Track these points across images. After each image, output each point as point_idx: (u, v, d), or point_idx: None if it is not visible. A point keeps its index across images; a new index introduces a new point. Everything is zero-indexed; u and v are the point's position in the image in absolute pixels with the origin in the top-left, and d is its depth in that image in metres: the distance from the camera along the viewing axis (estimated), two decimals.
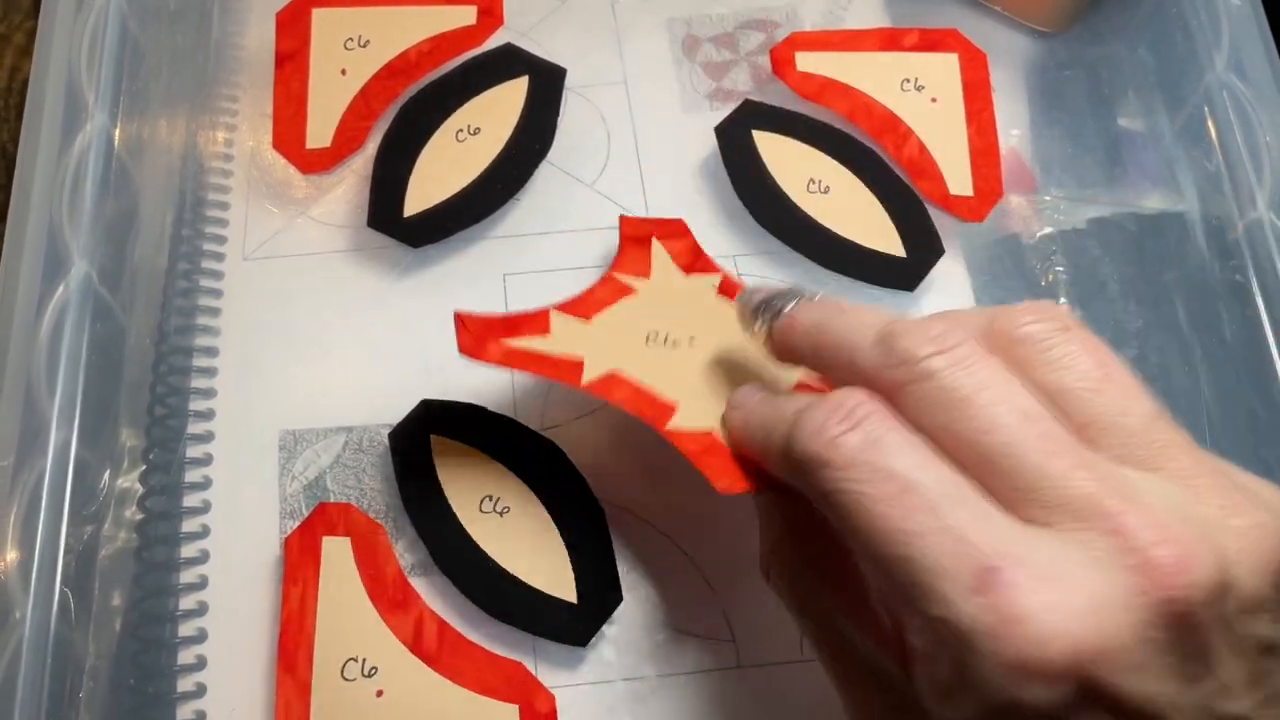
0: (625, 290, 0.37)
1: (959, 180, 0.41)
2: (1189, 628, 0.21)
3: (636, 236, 0.38)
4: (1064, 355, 0.25)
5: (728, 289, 0.37)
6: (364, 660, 0.33)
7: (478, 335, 0.35)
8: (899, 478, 0.24)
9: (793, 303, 0.30)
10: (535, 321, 0.36)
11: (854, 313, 0.28)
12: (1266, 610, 0.22)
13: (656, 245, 0.38)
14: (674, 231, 0.38)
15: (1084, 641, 0.21)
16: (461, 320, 0.35)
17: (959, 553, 0.22)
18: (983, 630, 0.21)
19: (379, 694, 0.33)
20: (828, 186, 0.41)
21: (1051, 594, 0.21)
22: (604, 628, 0.35)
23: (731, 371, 0.35)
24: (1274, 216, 0.40)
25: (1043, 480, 0.23)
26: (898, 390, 0.25)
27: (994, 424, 0.24)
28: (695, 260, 0.38)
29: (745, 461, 0.32)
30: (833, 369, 0.28)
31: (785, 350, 0.31)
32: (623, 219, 0.38)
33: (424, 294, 0.40)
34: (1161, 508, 0.22)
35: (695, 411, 0.34)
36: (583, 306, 0.37)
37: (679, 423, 0.34)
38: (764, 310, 0.31)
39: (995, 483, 0.24)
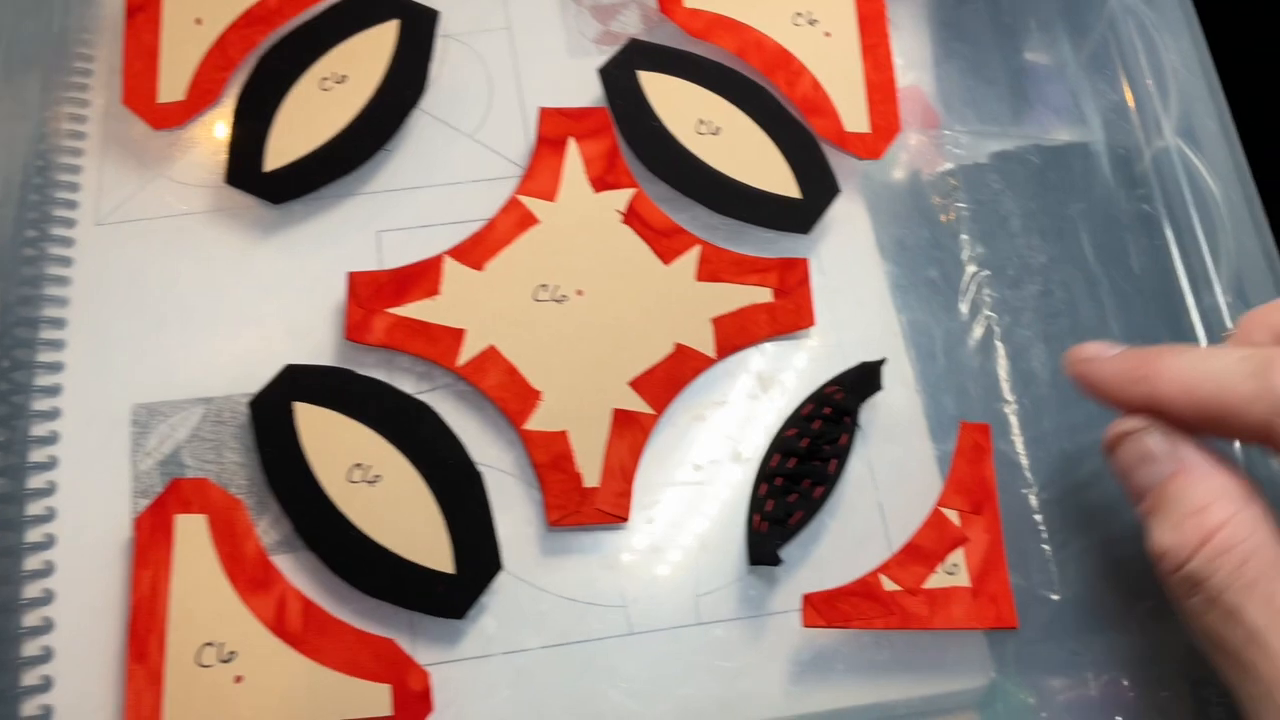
0: (528, 220, 0.36)
1: (855, 117, 0.39)
2: None
3: (553, 138, 0.37)
4: None
5: (634, 212, 0.36)
6: (221, 645, 0.31)
7: (367, 300, 0.34)
8: None
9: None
10: (427, 274, 0.35)
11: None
12: None
13: (572, 151, 0.37)
14: (595, 126, 0.38)
15: None
16: (354, 281, 0.34)
17: None
18: None
19: (238, 680, 0.31)
20: (718, 127, 0.39)
21: None
22: (484, 599, 0.32)
23: (606, 345, 0.35)
24: (1182, 144, 0.38)
25: None
26: None
27: None
28: (609, 169, 0.37)
29: (583, 494, 0.33)
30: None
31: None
32: (542, 111, 0.38)
33: (291, 254, 0.37)
34: None
35: (556, 406, 0.34)
36: (480, 248, 0.36)
37: (538, 420, 0.34)
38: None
39: None
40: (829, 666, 0.33)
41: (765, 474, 0.35)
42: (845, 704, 0.33)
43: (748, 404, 0.36)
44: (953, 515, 0.34)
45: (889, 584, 0.33)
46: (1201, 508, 0.25)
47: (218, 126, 0.38)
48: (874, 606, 0.32)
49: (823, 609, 0.32)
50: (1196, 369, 0.26)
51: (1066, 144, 0.39)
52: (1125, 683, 0.33)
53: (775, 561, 0.33)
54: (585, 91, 0.40)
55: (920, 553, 0.33)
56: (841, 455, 0.35)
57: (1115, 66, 0.40)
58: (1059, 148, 0.39)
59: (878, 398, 0.36)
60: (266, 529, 0.33)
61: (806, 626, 0.32)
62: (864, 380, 0.36)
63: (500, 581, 0.33)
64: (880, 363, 0.36)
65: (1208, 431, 0.27)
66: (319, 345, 0.36)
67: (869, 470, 0.36)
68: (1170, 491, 0.26)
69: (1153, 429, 0.27)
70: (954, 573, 0.33)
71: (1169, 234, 0.38)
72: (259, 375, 0.34)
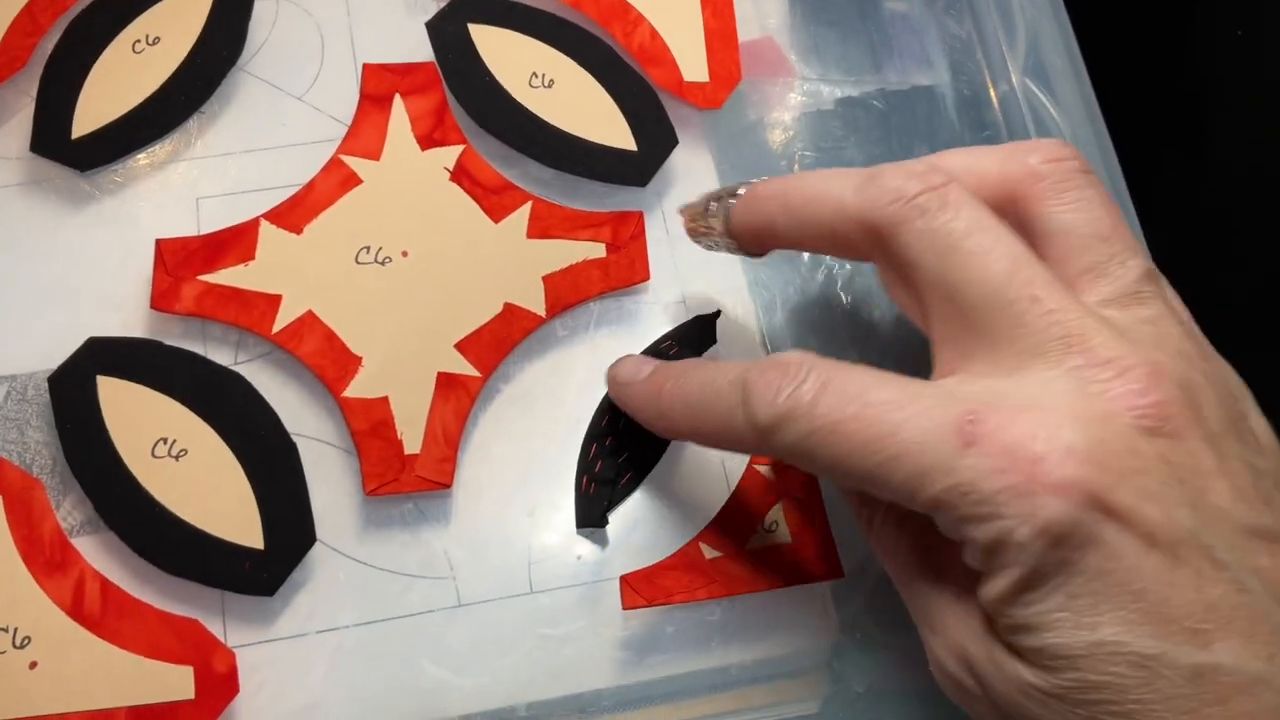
0: (350, 180, 0.35)
1: (694, 66, 0.38)
2: (1169, 440, 0.22)
3: (377, 95, 0.36)
4: (1081, 197, 0.26)
5: (462, 169, 0.35)
6: (15, 630, 0.29)
7: (175, 268, 0.33)
8: (855, 399, 0.24)
9: (744, 187, 0.30)
10: (242, 239, 0.34)
11: (820, 173, 0.28)
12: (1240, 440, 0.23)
13: (398, 108, 0.36)
14: (422, 82, 0.36)
15: (1076, 446, 0.22)
16: (161, 248, 0.32)
17: (933, 425, 0.22)
18: (985, 473, 0.22)
19: (32, 665, 0.29)
20: (551, 80, 0.37)
21: (1034, 420, 0.22)
22: (299, 575, 0.31)
23: (432, 307, 0.34)
24: (1029, 82, 0.37)
25: (1019, 329, 0.23)
26: (893, 229, 0.25)
27: (984, 272, 0.24)
28: (437, 125, 0.36)
29: (404, 462, 0.32)
30: (814, 224, 0.28)
31: (751, 221, 0.30)
32: (366, 66, 0.36)
33: (104, 225, 0.35)
34: (1135, 338, 0.23)
35: (377, 372, 0.33)
36: (299, 210, 0.34)
37: (358, 387, 0.32)
38: (716, 199, 0.31)
39: (974, 338, 0.24)
40: (659, 631, 0.32)
41: (595, 434, 0.33)
42: (679, 670, 0.32)
43: (583, 363, 0.35)
44: (765, 470, 0.33)
45: (709, 551, 0.31)
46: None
47: (28, 94, 0.37)
48: (696, 577, 0.31)
49: (642, 588, 0.31)
50: (697, 393, 0.28)
51: (912, 88, 0.38)
52: None
53: (602, 523, 0.32)
54: (422, 50, 0.38)
55: (738, 515, 0.32)
56: None
57: (962, 7, 0.39)
58: (904, 92, 0.38)
59: (716, 351, 0.34)
60: (70, 509, 0.32)
61: (627, 609, 0.31)
62: (699, 334, 0.34)
63: (316, 556, 0.31)
64: (715, 315, 0.35)
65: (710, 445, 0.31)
66: (132, 318, 0.34)
67: None
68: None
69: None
70: (774, 530, 0.32)
71: None
72: (67, 351, 0.33)
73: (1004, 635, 0.23)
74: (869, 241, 0.26)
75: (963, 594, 0.24)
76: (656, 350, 0.34)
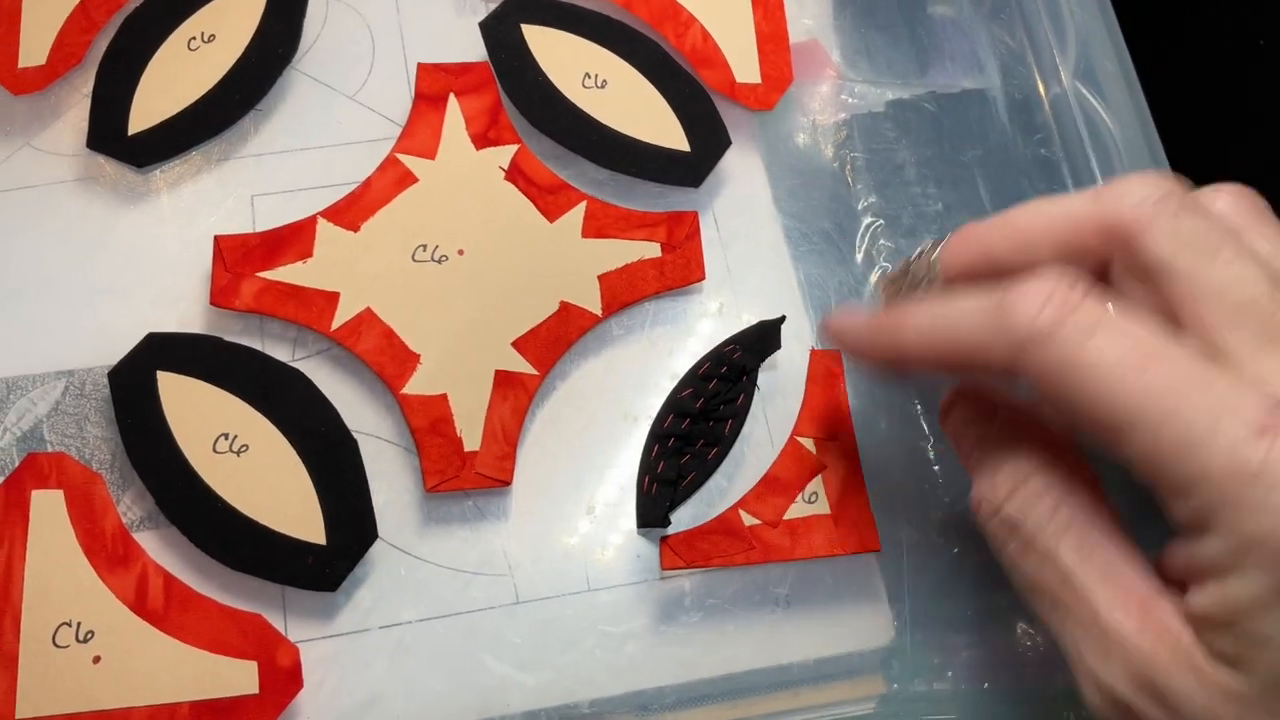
0: (406, 179, 0.35)
1: (746, 68, 0.38)
2: None
3: (432, 94, 0.36)
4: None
5: (517, 168, 0.35)
6: (78, 624, 0.29)
7: (234, 264, 0.33)
8: (1141, 344, 0.22)
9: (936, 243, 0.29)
10: (299, 236, 0.34)
11: (1034, 203, 0.27)
12: None
13: (452, 107, 0.36)
14: (476, 82, 0.36)
15: None
16: (220, 245, 0.32)
17: (1228, 397, 0.21)
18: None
19: (96, 660, 0.29)
20: (604, 81, 0.37)
21: None
22: (360, 571, 0.31)
23: (488, 305, 0.34)
24: (1080, 86, 0.37)
25: None
26: (1141, 228, 0.25)
27: (1245, 271, 0.24)
28: (491, 125, 0.36)
29: (464, 459, 0.32)
30: (1046, 238, 0.27)
31: (967, 255, 0.28)
32: (420, 66, 0.36)
33: (159, 222, 0.35)
34: None
35: (435, 369, 0.33)
36: (355, 208, 0.34)
37: (416, 384, 0.32)
38: (915, 255, 0.30)
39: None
40: (720, 630, 0.32)
41: (658, 435, 0.33)
42: (738, 668, 0.32)
43: (639, 362, 0.35)
44: (808, 443, 0.33)
45: (748, 519, 0.32)
46: (1016, 459, 0.26)
47: (83, 90, 0.37)
48: (734, 543, 0.31)
49: (681, 550, 0.31)
50: (937, 318, 0.26)
51: (963, 91, 0.38)
52: (1028, 641, 0.32)
53: (664, 524, 0.32)
54: (472, 50, 0.38)
55: (778, 484, 0.32)
56: (739, 415, 0.34)
57: (1013, 12, 0.39)
58: (955, 95, 0.38)
59: (779, 356, 0.35)
60: (131, 504, 0.32)
61: (665, 569, 0.31)
62: (763, 339, 0.34)
63: (377, 551, 0.31)
64: (780, 321, 0.35)
65: (962, 373, 0.28)
66: (188, 314, 0.34)
67: (766, 430, 0.34)
68: (988, 447, 0.27)
69: (974, 396, 0.28)
70: (813, 501, 0.32)
71: (1067, 178, 0.37)
72: (124, 346, 0.33)
73: (1221, 644, 0.22)
74: (1110, 246, 0.25)
75: (1151, 617, 0.23)
76: (719, 354, 0.34)
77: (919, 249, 0.30)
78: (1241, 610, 0.22)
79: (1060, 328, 0.23)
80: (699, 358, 0.35)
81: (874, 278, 0.34)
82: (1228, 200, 0.26)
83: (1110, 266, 0.26)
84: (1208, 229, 0.24)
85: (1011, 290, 0.24)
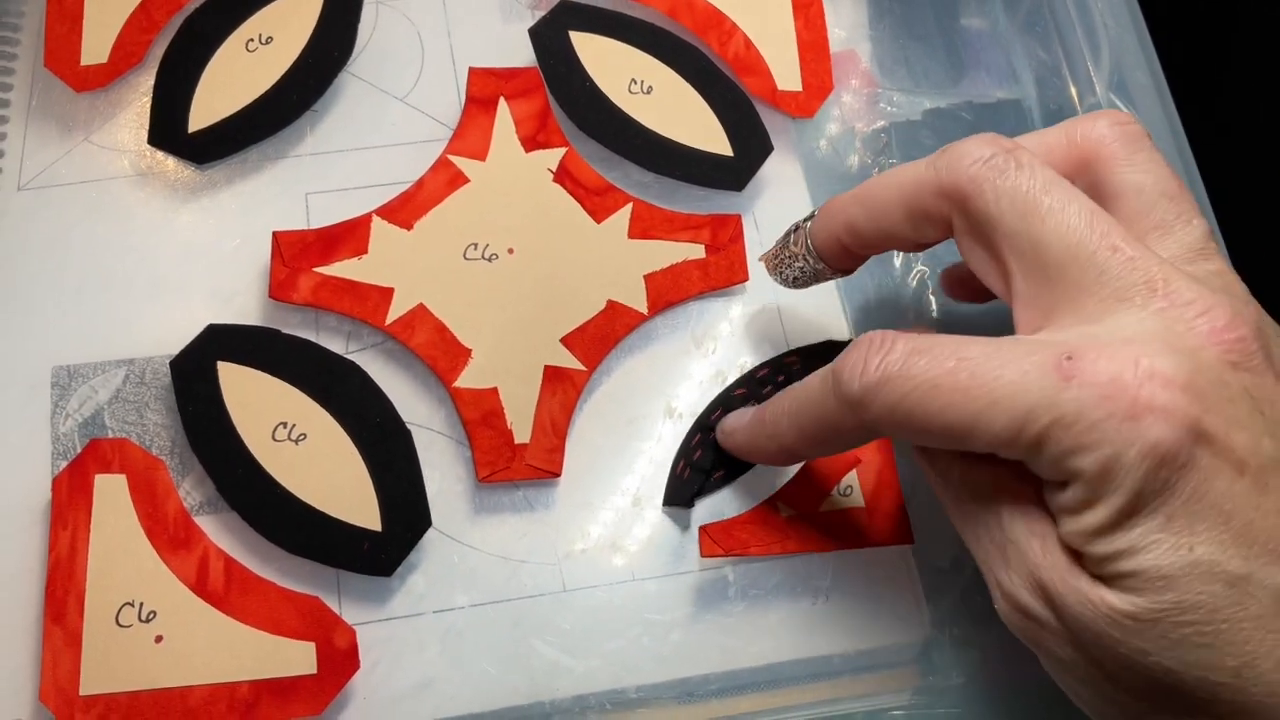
0: (458, 179, 0.36)
1: (787, 75, 0.39)
2: (1251, 374, 0.24)
3: (482, 97, 0.37)
4: (1149, 159, 0.27)
5: (565, 170, 0.36)
6: (141, 605, 0.30)
7: (292, 259, 0.34)
8: (950, 356, 0.24)
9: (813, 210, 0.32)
10: (354, 233, 0.35)
11: (885, 173, 0.29)
12: None
13: (502, 110, 0.37)
14: (526, 86, 0.37)
15: (1173, 375, 0.23)
16: (279, 240, 0.33)
17: (1032, 366, 0.23)
18: (1089, 402, 0.23)
19: (158, 640, 0.30)
20: (650, 86, 0.38)
21: (1130, 351, 0.23)
22: (413, 557, 0.32)
23: (537, 302, 0.35)
24: (1114, 98, 0.38)
25: (1102, 276, 0.25)
26: (974, 189, 0.26)
27: (1063, 225, 0.25)
28: (540, 128, 0.37)
29: (514, 451, 0.33)
30: (894, 207, 0.29)
31: (832, 228, 0.31)
32: (471, 70, 0.37)
33: (217, 217, 0.36)
34: (1208, 285, 0.25)
35: (486, 364, 0.34)
36: (409, 207, 0.35)
37: (468, 377, 0.33)
38: (791, 230, 0.33)
39: (1057, 291, 0.25)
40: (762, 620, 0.33)
41: (701, 425, 0.34)
42: (780, 658, 0.32)
43: (683, 360, 0.36)
44: None
45: (785, 510, 0.33)
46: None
47: (142, 89, 0.38)
48: (771, 533, 0.32)
49: (720, 538, 0.32)
50: (796, 398, 0.29)
51: (999, 101, 0.39)
52: None
53: (689, 505, 0.33)
54: (518, 56, 0.39)
55: (814, 477, 0.33)
56: None
57: (1048, 25, 0.40)
58: (992, 105, 0.39)
59: None
60: (190, 489, 0.33)
61: (704, 556, 0.32)
62: (825, 356, 0.35)
63: (429, 539, 0.32)
64: (846, 343, 0.35)
65: (837, 452, 0.32)
66: (244, 308, 0.35)
67: None
68: None
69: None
70: (848, 495, 0.33)
71: None
72: (183, 337, 0.33)
73: (1093, 565, 0.24)
74: (949, 207, 0.27)
75: (1038, 529, 0.25)
76: (780, 362, 0.35)
77: (793, 224, 0.32)
78: (1102, 536, 0.23)
79: (883, 375, 0.25)
80: (742, 357, 0.36)
81: (759, 257, 0.35)
82: (1104, 125, 0.28)
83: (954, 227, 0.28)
84: (1030, 186, 0.26)
85: (837, 361, 0.26)
